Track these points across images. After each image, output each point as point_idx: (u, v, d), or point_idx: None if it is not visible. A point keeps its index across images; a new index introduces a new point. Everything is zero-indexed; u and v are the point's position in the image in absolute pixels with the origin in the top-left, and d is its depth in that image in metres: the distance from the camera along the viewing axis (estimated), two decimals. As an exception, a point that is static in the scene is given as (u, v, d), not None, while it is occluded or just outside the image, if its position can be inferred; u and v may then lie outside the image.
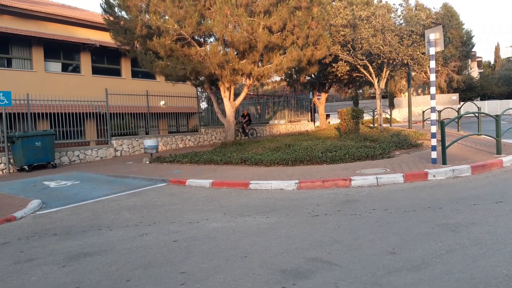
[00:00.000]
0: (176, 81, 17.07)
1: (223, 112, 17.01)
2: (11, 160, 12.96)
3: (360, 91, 38.37)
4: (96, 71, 19.69)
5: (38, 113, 14.51)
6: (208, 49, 13.98)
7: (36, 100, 14.17)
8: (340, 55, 16.60)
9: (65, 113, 14.99)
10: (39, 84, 16.77)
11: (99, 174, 11.06)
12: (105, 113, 16.17)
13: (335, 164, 9.61)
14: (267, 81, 19.42)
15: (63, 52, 18.78)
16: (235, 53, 14.20)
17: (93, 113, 16.34)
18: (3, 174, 12.69)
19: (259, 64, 14.91)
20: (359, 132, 15.50)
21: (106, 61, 20.38)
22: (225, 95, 15.81)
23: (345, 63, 16.86)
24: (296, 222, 5.24)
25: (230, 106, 16.01)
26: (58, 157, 14.05)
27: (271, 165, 10.24)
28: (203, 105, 25.25)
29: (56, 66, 18.65)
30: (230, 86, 15.67)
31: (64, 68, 19.12)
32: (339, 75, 18.43)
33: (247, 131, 20.35)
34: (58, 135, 14.64)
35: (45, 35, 17.31)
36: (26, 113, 13.88)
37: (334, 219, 5.18)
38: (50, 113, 14.70)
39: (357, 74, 18.42)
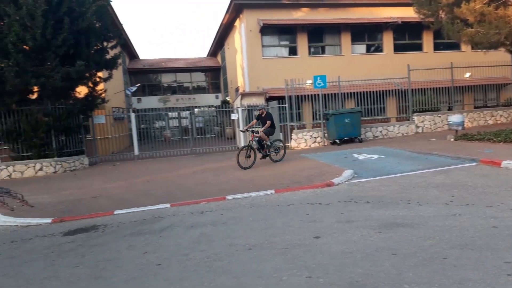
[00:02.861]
0: (487, 49, 14.96)
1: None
2: (325, 134, 15.12)
3: None
4: (397, 48, 19.96)
5: (346, 93, 16.16)
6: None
7: (344, 81, 15.78)
8: None
9: (367, 92, 16.01)
10: (346, 67, 18.58)
11: (401, 149, 11.32)
12: (406, 89, 16.20)
13: None
14: None
15: (367, 34, 20.01)
16: None
17: (393, 90, 16.69)
18: (319, 146, 15.01)
19: None
20: None
21: (407, 37, 20.31)
22: (557, 58, 12.65)
23: None
24: None
25: None
26: (363, 132, 15.28)
27: None
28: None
29: (360, 48, 20.13)
30: None
31: (367, 49, 20.37)
32: None
33: (266, 149, 11.03)
34: (362, 112, 15.85)
35: (352, 20, 18.89)
36: (336, 93, 15.73)
37: None
38: (355, 92, 16.09)
39: None
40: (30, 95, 13.45)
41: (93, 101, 14.40)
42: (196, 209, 6.66)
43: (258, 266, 3.88)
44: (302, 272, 3.62)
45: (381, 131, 15.72)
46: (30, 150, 13.14)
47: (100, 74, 14.70)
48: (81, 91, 14.28)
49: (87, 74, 13.62)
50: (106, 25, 14.12)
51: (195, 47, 79.03)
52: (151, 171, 12.03)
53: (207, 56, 34.47)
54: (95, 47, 13.84)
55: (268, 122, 10.81)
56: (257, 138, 10.79)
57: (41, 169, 12.91)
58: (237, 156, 10.56)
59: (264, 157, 11.12)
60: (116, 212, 6.91)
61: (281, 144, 11.71)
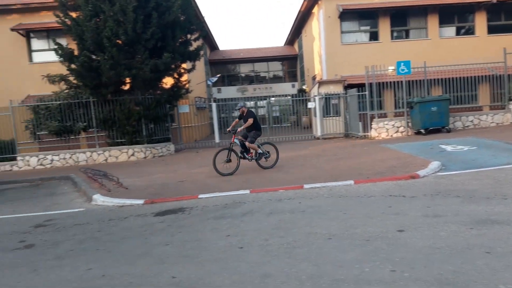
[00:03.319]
0: None
1: None
2: (409, 124, 14.34)
3: None
4: (491, 30, 18.26)
5: (432, 79, 15.11)
6: None
7: (430, 67, 14.74)
8: None
9: (456, 78, 14.80)
10: (432, 51, 17.38)
11: (496, 140, 10.37)
12: (502, 75, 14.68)
13: None
14: None
15: (457, 15, 18.49)
16: None
17: (487, 76, 15.24)
18: (402, 136, 14.28)
19: None
20: None
21: (503, 17, 18.40)
22: None
23: None
24: None
25: None
26: (452, 121, 14.19)
27: None
28: None
29: (449, 31, 18.68)
30: None
31: (457, 32, 18.83)
32: None
33: (251, 153, 9.56)
34: (451, 100, 14.73)
35: (440, 1, 17.54)
36: (422, 80, 14.77)
37: None
38: (442, 79, 14.96)
39: None
40: (123, 86, 14.63)
41: (178, 91, 15.23)
42: (275, 196, 6.78)
43: (338, 256, 3.87)
44: (385, 265, 3.53)
45: (472, 121, 14.48)
46: (123, 137, 14.35)
47: (184, 65, 15.46)
48: (167, 82, 15.17)
49: (173, 66, 14.41)
50: (190, 18, 14.78)
51: (273, 36, 79.35)
52: (230, 159, 12.44)
53: (284, 44, 34.43)
54: (180, 40, 14.58)
55: (249, 120, 9.35)
56: (238, 140, 9.43)
57: (133, 154, 14.07)
58: (213, 160, 9.16)
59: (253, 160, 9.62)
60: (200, 196, 7.31)
61: (272, 148, 9.93)
